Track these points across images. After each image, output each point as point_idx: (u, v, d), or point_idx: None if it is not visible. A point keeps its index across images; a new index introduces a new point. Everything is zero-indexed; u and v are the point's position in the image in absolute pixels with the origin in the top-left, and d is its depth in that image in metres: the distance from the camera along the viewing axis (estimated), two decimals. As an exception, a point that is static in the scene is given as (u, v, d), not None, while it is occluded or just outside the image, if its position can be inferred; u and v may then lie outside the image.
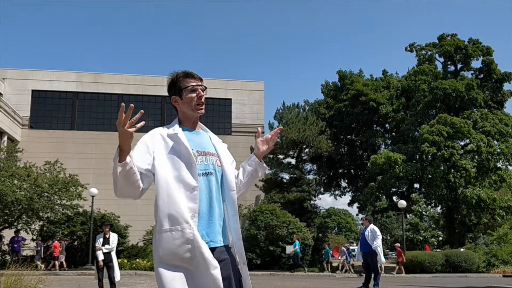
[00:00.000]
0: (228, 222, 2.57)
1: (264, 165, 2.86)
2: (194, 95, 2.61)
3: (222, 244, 2.49)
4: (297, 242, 25.24)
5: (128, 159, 2.27)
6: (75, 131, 33.29)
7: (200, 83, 2.65)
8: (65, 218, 25.19)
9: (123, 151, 2.26)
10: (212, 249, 2.40)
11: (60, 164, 24.57)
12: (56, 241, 23.58)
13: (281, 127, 2.95)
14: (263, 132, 2.85)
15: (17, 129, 32.24)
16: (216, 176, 2.56)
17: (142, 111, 2.29)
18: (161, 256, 2.36)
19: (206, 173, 2.52)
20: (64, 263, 23.40)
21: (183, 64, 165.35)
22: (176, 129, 2.58)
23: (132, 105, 2.21)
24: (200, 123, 2.76)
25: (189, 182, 2.42)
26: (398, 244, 26.69)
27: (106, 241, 10.84)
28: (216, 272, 2.30)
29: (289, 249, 25.59)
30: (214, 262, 2.32)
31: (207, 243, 2.39)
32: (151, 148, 2.47)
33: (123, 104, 2.19)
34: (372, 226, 13.63)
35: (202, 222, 2.43)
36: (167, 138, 2.53)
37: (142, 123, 2.26)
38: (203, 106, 2.65)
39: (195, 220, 2.38)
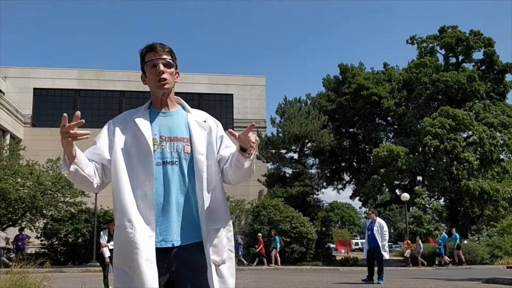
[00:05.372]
0: (201, 215, 2.27)
1: (246, 155, 2.31)
2: (154, 70, 2.33)
3: (183, 243, 2.22)
4: None
5: (72, 167, 2.13)
6: (77, 129, 33.23)
7: (163, 56, 2.34)
8: (68, 215, 25.26)
9: (67, 157, 2.15)
10: (165, 250, 2.19)
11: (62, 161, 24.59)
12: None
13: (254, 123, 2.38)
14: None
15: (20, 127, 32.28)
16: (180, 165, 2.29)
17: (78, 113, 2.08)
18: (114, 256, 2.24)
19: (165, 162, 2.26)
20: None
21: (183, 60, 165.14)
22: (140, 113, 2.36)
23: (78, 112, 2.09)
24: (182, 100, 2.50)
25: (144, 173, 2.20)
26: (260, 236, 25.97)
27: (112, 238, 10.86)
28: (150, 280, 2.08)
29: None
30: (149, 269, 2.09)
31: (158, 242, 2.18)
32: (111, 137, 2.32)
33: (65, 114, 2.06)
34: (379, 220, 13.65)
35: (158, 218, 2.21)
36: (128, 124, 2.33)
37: (86, 134, 2.13)
38: (166, 81, 2.33)
39: (152, 215, 2.17)
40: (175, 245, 2.22)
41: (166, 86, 2.35)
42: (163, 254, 2.18)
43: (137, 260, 2.10)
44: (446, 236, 25.73)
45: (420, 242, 26.19)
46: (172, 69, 2.37)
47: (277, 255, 24.83)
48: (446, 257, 24.90)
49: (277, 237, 25.16)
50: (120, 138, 2.30)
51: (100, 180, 2.27)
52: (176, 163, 2.29)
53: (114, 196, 2.22)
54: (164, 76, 2.33)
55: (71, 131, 2.07)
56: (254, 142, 2.25)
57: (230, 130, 2.35)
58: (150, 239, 2.15)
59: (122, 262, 2.16)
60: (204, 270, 2.22)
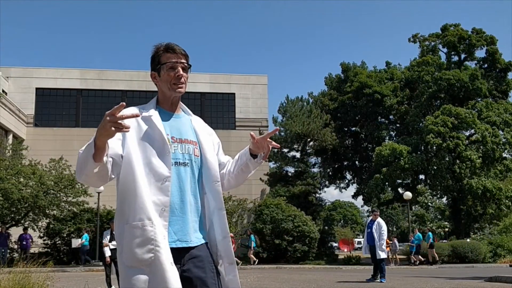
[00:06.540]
0: (211, 217, 2.34)
1: (260, 160, 2.51)
2: (172, 73, 2.32)
3: (197, 244, 2.25)
4: (86, 235, 22.88)
5: (105, 159, 2.04)
6: (80, 128, 33.32)
7: (182, 60, 2.36)
8: (71, 215, 25.30)
9: (98, 149, 2.00)
10: (180, 250, 2.19)
11: (65, 161, 24.65)
12: None
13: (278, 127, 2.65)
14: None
15: (22, 127, 32.31)
16: (192, 167, 2.31)
17: (123, 103, 1.96)
18: (122, 255, 2.15)
19: (178, 163, 2.26)
20: None
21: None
22: (151, 111, 2.32)
23: (123, 103, 1.98)
24: (182, 104, 2.49)
25: (160, 171, 2.18)
26: (231, 234, 26.07)
27: (113, 237, 10.86)
28: (172, 280, 2.06)
29: (75, 242, 23.07)
30: (171, 268, 2.08)
31: (173, 242, 2.17)
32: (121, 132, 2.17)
33: (123, 103, 1.96)
34: (379, 219, 13.75)
35: (172, 218, 2.19)
36: (140, 120, 2.26)
37: (129, 127, 2.00)
38: (183, 86, 2.36)
39: (166, 214, 2.15)
40: (191, 245, 2.23)
41: (182, 90, 2.37)
42: (177, 254, 2.16)
43: (159, 258, 2.08)
44: (420, 235, 25.99)
45: (395, 241, 26.64)
46: (187, 74, 2.40)
47: (251, 255, 24.90)
48: (420, 256, 25.32)
49: (252, 236, 25.18)
50: (132, 134, 2.22)
51: (112, 175, 2.20)
52: (188, 164, 2.31)
53: (127, 193, 2.16)
54: (183, 80, 2.36)
55: (120, 122, 1.95)
56: (276, 147, 2.46)
57: (251, 133, 2.49)
58: (165, 238, 2.14)
59: (138, 261, 2.10)
60: (215, 271, 2.29)
